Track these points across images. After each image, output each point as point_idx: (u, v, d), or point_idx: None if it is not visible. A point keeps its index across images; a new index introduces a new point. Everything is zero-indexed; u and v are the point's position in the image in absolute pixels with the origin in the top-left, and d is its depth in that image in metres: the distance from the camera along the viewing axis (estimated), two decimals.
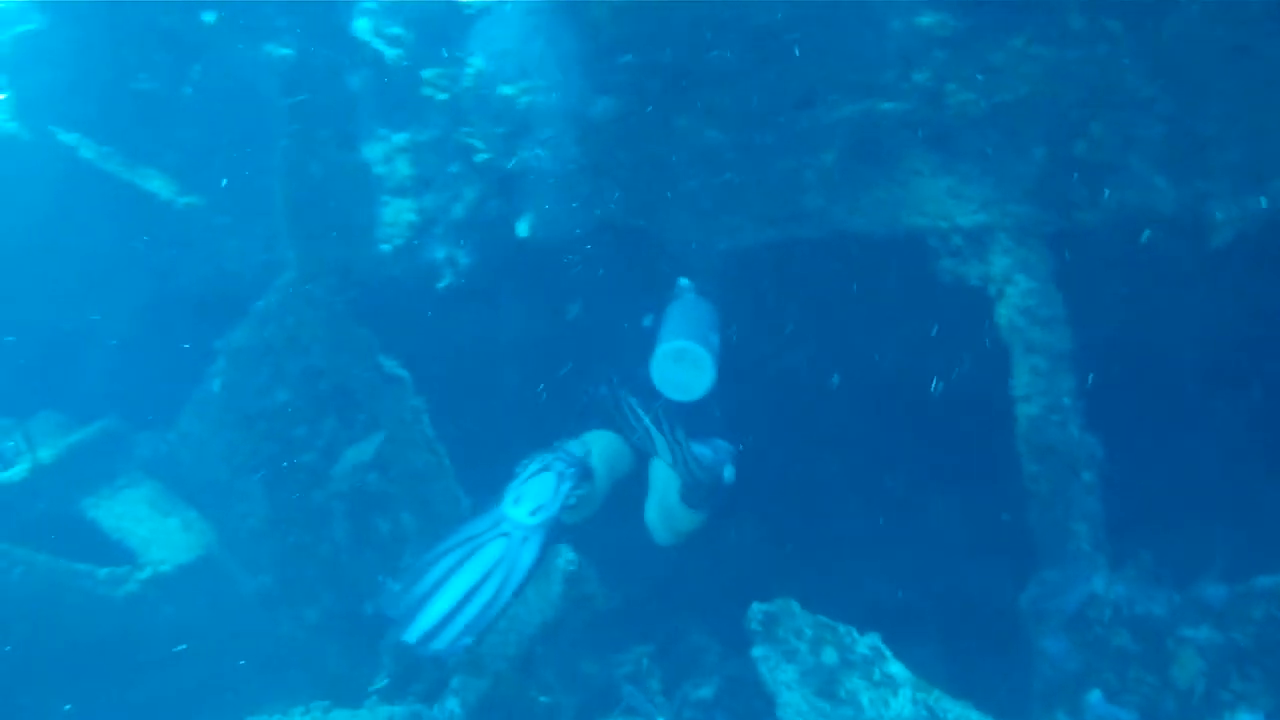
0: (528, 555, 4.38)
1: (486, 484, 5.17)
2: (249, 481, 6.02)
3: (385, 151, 6.29)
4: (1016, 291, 5.31)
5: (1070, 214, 5.32)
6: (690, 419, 4.91)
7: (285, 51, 5.65)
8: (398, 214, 6.20)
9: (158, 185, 6.51)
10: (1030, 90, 5.24)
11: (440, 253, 6.13)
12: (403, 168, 6.24)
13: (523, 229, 5.91)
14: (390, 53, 5.97)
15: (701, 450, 4.93)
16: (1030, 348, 5.28)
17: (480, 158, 5.91)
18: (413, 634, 4.18)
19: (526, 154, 5.76)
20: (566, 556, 4.94)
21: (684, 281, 5.66)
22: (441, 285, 6.10)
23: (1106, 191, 5.23)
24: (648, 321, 5.49)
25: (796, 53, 5.45)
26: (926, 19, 5.29)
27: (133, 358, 6.71)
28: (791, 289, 5.89)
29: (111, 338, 6.86)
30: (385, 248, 6.14)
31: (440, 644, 4.16)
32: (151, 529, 6.26)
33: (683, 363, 4.99)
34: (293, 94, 5.44)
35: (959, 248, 5.43)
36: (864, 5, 5.35)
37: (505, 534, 4.40)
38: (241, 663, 5.97)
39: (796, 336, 5.70)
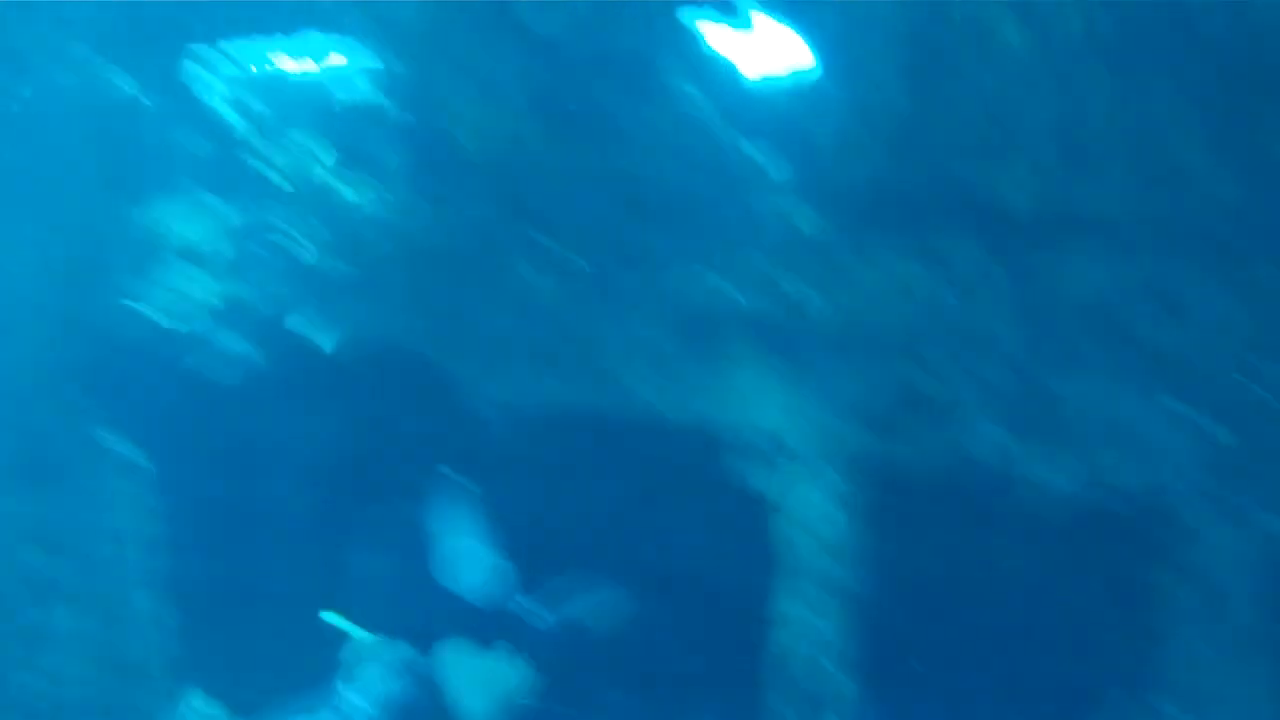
0: None
1: None
2: None
3: (214, 228, 5.77)
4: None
5: (890, 441, 5.01)
6: None
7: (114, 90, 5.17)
8: (206, 295, 5.63)
9: None
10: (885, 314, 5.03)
11: (237, 346, 5.54)
12: (225, 248, 5.70)
13: (328, 341, 5.39)
14: (242, 124, 5.53)
15: None
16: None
17: (305, 257, 5.42)
18: None
19: (349, 262, 5.30)
20: None
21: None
22: (228, 382, 5.48)
23: (930, 428, 4.97)
24: None
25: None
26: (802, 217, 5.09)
27: None
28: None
29: None
30: (182, 328, 5.55)
31: None
32: None
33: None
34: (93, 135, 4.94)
35: (758, 450, 5.06)
36: (736, 183, 5.15)
37: None
38: None
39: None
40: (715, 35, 4.92)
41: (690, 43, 4.90)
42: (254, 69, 5.54)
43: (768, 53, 4.97)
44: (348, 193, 5.30)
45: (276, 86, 5.63)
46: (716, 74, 5.03)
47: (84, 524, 4.93)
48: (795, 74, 5.10)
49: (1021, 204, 4.80)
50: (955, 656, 5.37)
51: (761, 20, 4.76)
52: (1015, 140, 4.72)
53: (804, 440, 4.95)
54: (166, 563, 5.11)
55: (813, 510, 4.86)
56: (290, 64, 5.52)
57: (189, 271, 5.66)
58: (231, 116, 5.47)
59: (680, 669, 5.60)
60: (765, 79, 5.17)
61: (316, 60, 5.49)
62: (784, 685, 4.70)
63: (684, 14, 4.78)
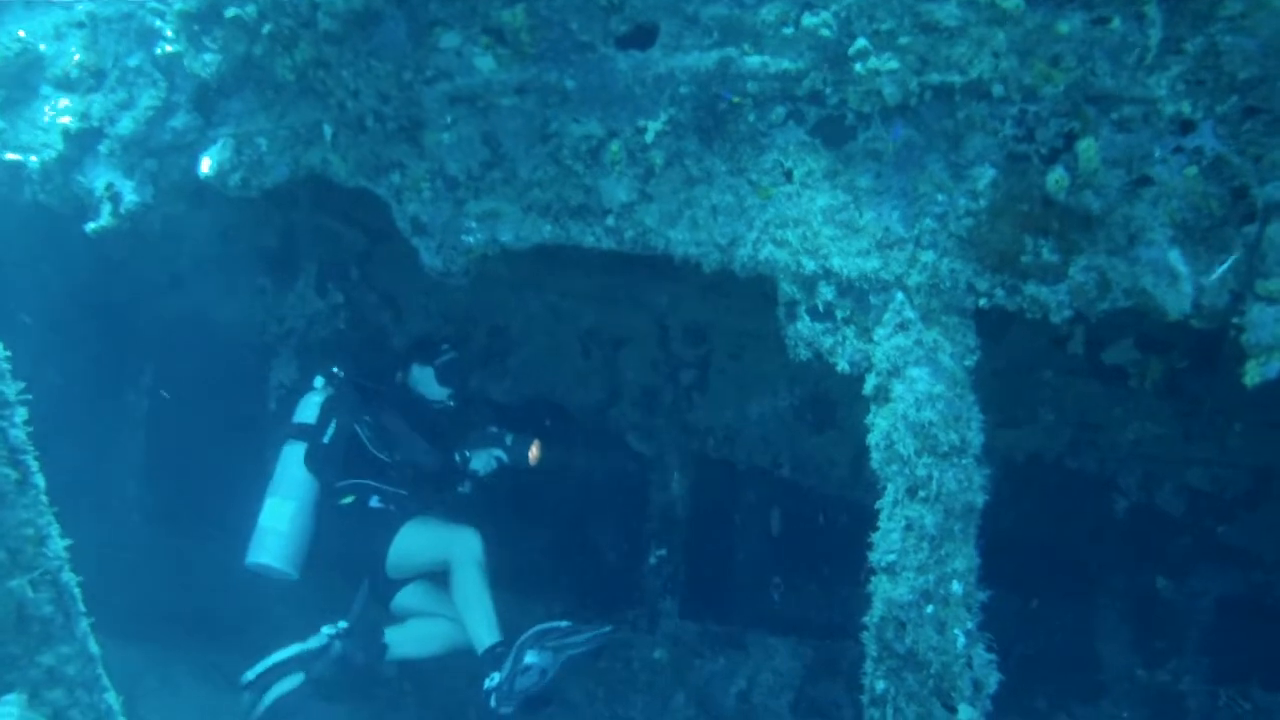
0: None
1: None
2: None
3: (58, 24, 4.36)
4: (910, 394, 3.22)
5: (1019, 286, 3.22)
6: None
7: None
8: (55, 115, 4.27)
9: None
10: (990, 71, 3.13)
11: (99, 180, 4.19)
12: (73, 49, 4.29)
13: (207, 165, 3.96)
14: None
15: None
16: (914, 490, 3.21)
17: (167, 48, 3.94)
18: None
19: (215, 52, 3.76)
20: None
21: (318, 381, 4.70)
22: (92, 227, 4.18)
23: (1081, 261, 3.13)
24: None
25: None
26: None
27: None
28: (562, 331, 3.86)
29: None
30: (32, 162, 4.26)
31: None
32: None
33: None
34: None
35: (829, 307, 3.36)
36: None
37: None
38: None
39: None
40: None
41: None
42: None
43: None
44: None
45: None
46: None
47: None
48: None
49: None
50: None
51: None
52: None
53: (892, 286, 3.19)
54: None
55: (924, 395, 3.15)
56: None
57: (34, 84, 4.31)
58: None
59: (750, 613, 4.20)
60: None
61: None
62: (894, 667, 3.12)
63: None
